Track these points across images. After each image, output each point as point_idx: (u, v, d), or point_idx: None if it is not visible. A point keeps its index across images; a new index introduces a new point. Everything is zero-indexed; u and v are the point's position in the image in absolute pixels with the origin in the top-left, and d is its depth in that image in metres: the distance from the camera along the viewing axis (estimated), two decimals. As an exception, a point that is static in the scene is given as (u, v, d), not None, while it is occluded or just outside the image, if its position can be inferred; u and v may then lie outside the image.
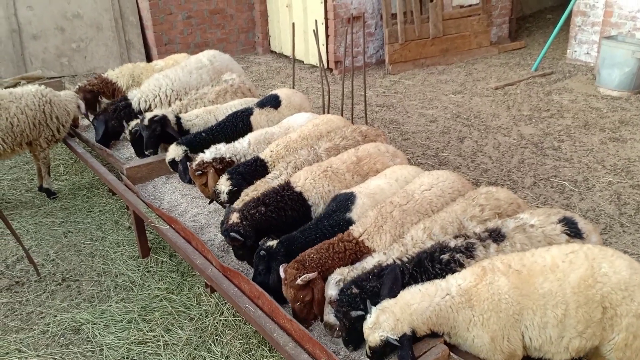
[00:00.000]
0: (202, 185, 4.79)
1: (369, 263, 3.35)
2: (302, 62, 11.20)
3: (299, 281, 3.32)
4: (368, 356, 3.03)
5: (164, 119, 5.44)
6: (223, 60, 6.86)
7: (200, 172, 4.74)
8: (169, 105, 6.24)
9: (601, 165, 6.60)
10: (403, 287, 3.11)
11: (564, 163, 6.71)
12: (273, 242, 3.70)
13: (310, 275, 3.34)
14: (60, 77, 10.16)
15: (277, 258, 3.62)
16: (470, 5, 11.04)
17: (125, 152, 6.06)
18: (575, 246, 3.05)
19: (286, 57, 11.77)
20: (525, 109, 8.41)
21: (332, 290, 3.30)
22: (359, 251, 3.50)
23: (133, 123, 5.67)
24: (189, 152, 5.16)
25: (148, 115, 5.50)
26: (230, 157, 4.83)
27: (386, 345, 2.92)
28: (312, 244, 3.67)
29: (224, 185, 4.43)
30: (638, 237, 5.25)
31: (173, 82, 6.32)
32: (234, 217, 3.90)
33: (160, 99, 6.24)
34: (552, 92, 9.05)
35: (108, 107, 6.24)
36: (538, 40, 12.03)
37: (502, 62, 10.78)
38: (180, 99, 6.27)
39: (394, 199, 3.76)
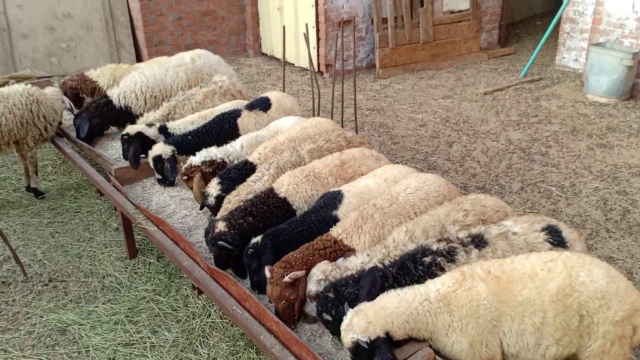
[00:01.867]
0: (191, 189, 4.81)
1: (351, 263, 3.37)
2: (293, 65, 11.21)
3: (286, 278, 3.34)
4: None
5: (137, 136, 5.39)
6: (208, 60, 6.79)
7: (186, 176, 4.77)
8: (145, 102, 6.27)
9: (588, 171, 6.66)
10: (384, 290, 3.14)
11: (552, 168, 6.77)
12: (257, 239, 3.72)
13: (299, 272, 3.38)
14: (49, 76, 10.10)
15: (266, 251, 3.65)
16: (460, 11, 11.11)
17: (113, 153, 6.03)
18: (554, 254, 3.08)
19: (277, 59, 11.78)
20: (514, 115, 8.47)
21: (311, 285, 3.36)
22: (339, 249, 3.54)
23: (128, 129, 5.62)
24: (176, 153, 5.16)
25: (125, 131, 5.48)
26: (222, 158, 4.82)
27: (357, 347, 2.92)
28: (298, 237, 3.73)
29: (213, 189, 4.42)
30: (623, 242, 5.30)
31: (148, 79, 6.34)
32: (221, 226, 3.87)
33: (136, 95, 6.27)
34: (541, 98, 9.12)
35: (90, 105, 6.25)
36: (527, 47, 12.12)
37: (492, 68, 10.86)
38: (155, 96, 6.30)
39: (376, 201, 3.78)
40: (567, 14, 10.15)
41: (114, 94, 6.25)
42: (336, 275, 3.32)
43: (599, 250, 5.19)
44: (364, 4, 10.39)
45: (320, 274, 3.33)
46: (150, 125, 5.57)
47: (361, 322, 2.92)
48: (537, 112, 8.54)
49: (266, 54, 12.16)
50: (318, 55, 10.47)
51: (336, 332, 3.18)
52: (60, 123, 6.56)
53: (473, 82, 10.04)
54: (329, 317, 3.19)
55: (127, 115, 6.27)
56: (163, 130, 5.53)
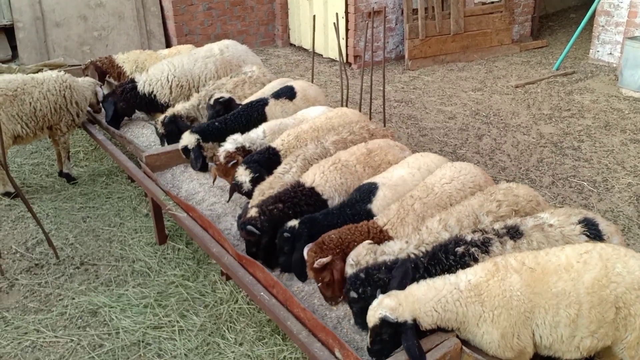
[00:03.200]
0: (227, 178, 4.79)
1: (389, 247, 3.36)
2: (321, 55, 11.20)
3: (315, 265, 3.40)
4: (369, 349, 3.02)
5: (229, 101, 5.59)
6: (236, 52, 6.85)
7: (233, 162, 4.69)
8: (170, 91, 6.38)
9: (621, 167, 6.54)
10: (416, 281, 3.13)
11: (584, 163, 6.65)
12: (295, 223, 3.75)
13: (324, 259, 3.40)
14: (81, 65, 10.24)
15: (302, 238, 3.69)
16: (492, 2, 10.96)
17: (144, 140, 6.11)
18: (589, 246, 3.03)
19: (305, 50, 11.78)
20: (546, 108, 8.34)
21: (348, 269, 3.37)
22: (382, 239, 3.53)
23: (161, 118, 5.72)
24: (201, 141, 5.21)
25: (216, 95, 5.65)
26: (249, 147, 4.85)
27: (383, 326, 2.89)
28: (332, 229, 3.71)
29: (244, 175, 4.43)
30: (656, 239, 5.20)
31: (176, 69, 6.44)
32: (253, 212, 3.91)
33: (162, 83, 6.38)
34: (574, 91, 8.96)
35: (116, 89, 6.45)
36: (560, 39, 11.92)
37: (524, 60, 10.70)
38: (182, 86, 6.41)
39: (414, 193, 3.77)
40: (602, 6, 9.93)
41: (141, 80, 6.39)
42: (369, 260, 3.31)
43: (631, 246, 5.09)
44: (394, -6, 10.32)
45: (354, 258, 3.34)
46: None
47: (392, 302, 2.92)
48: (570, 106, 8.39)
49: (294, 45, 12.17)
50: (347, 46, 10.44)
51: (359, 313, 3.21)
52: (97, 111, 6.67)
53: (504, 75, 9.91)
54: (354, 295, 3.21)
55: (151, 102, 6.41)
56: None
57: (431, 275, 3.20)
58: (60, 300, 4.58)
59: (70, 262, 5.06)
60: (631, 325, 2.83)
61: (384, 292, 3.08)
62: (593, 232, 3.30)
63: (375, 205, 3.87)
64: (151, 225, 5.45)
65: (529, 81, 9.46)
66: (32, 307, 4.50)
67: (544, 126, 7.74)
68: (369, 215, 3.83)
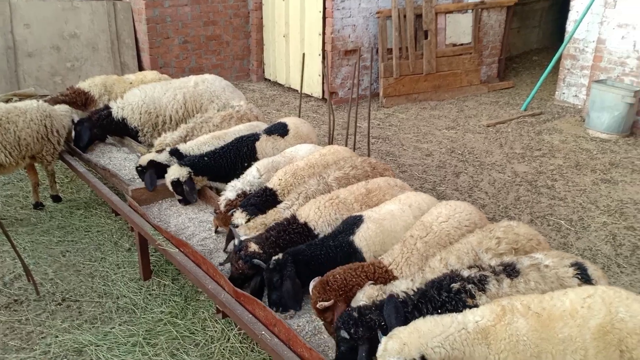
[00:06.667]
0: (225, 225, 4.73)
1: (397, 287, 3.36)
2: (297, 91, 11.30)
3: (317, 306, 3.42)
4: None
5: (150, 164, 5.43)
6: (211, 86, 6.94)
7: (233, 210, 4.62)
8: (140, 116, 6.52)
9: (595, 206, 6.75)
10: (406, 317, 3.14)
11: (559, 202, 6.85)
12: (278, 255, 3.80)
13: (326, 303, 3.42)
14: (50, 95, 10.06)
15: (288, 265, 3.74)
16: (462, 44, 11.31)
17: (127, 173, 6.00)
18: (590, 289, 3.09)
19: (280, 85, 11.88)
20: (518, 147, 8.59)
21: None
22: (387, 279, 3.54)
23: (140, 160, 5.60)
24: (192, 174, 5.17)
25: (138, 162, 5.56)
26: (249, 190, 4.82)
27: None
28: (315, 260, 3.82)
29: (240, 218, 4.41)
30: (635, 278, 5.36)
31: (146, 96, 6.62)
32: (255, 247, 3.91)
33: (133, 108, 6.55)
34: (543, 131, 9.26)
35: (92, 115, 6.53)
36: (525, 81, 12.34)
37: (492, 101, 11.02)
38: (149, 113, 6.55)
39: (413, 232, 3.80)
40: (567, 50, 10.37)
41: (114, 106, 6.54)
42: (382, 298, 3.30)
43: (611, 285, 5.22)
44: (370, 34, 10.55)
45: (367, 300, 3.31)
46: (160, 151, 5.59)
47: (395, 344, 2.91)
48: (540, 145, 8.67)
49: (269, 80, 12.25)
50: (323, 83, 10.57)
51: (345, 354, 3.19)
52: (69, 140, 6.58)
53: (475, 114, 10.18)
54: (345, 335, 3.17)
55: (124, 127, 6.57)
56: (175, 152, 5.54)
57: (421, 312, 3.21)
58: (42, 338, 4.40)
59: (52, 298, 4.88)
60: None
61: (384, 332, 3.07)
62: (584, 276, 3.40)
63: (358, 237, 3.91)
64: (134, 260, 5.33)
65: (500, 121, 9.74)
66: (13, 346, 4.31)
67: (517, 165, 7.95)
68: (351, 247, 3.88)
